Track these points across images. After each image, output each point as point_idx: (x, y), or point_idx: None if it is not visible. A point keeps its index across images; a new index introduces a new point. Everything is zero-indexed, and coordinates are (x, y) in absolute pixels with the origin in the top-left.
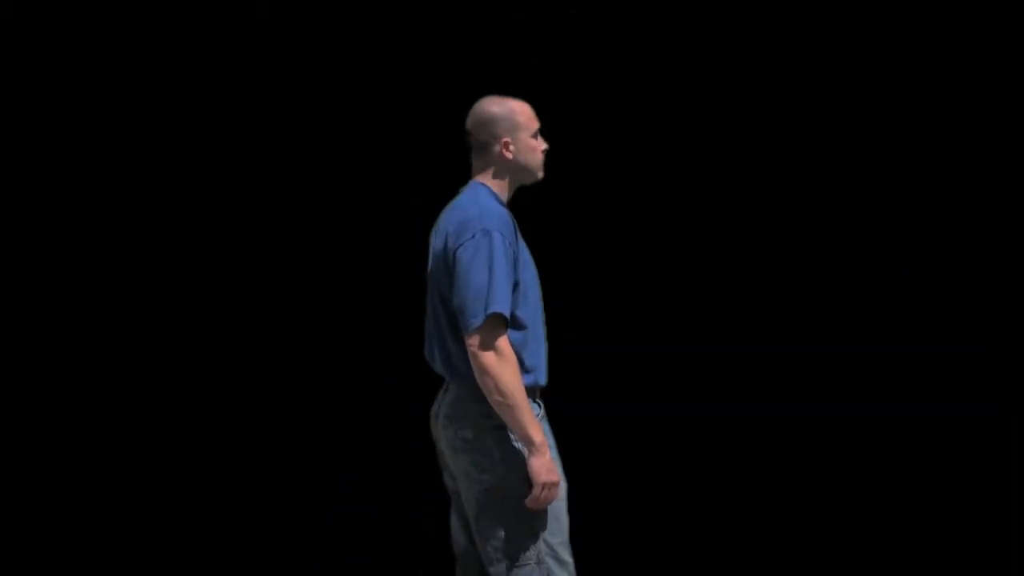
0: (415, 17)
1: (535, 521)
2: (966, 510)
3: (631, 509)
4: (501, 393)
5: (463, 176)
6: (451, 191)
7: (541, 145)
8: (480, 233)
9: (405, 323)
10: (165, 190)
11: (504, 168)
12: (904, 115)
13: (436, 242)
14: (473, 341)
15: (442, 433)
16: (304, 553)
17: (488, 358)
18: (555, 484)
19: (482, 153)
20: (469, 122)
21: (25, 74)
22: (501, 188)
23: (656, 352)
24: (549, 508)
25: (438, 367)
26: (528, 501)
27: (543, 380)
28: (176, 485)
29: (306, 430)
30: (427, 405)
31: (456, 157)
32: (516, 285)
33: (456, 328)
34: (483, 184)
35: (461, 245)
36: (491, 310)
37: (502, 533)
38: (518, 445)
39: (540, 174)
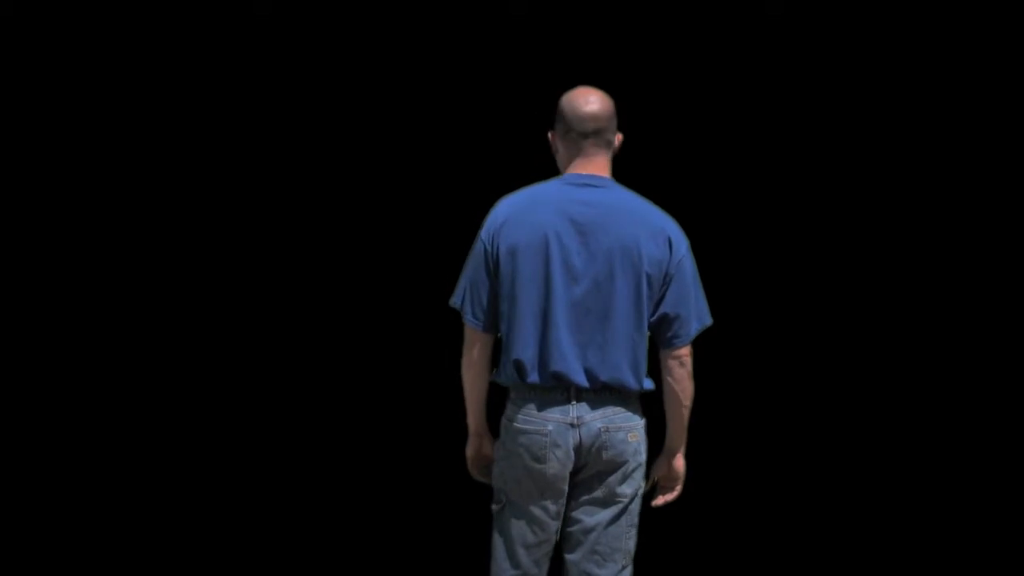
0: (415, 17)
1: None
2: (970, 509)
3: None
4: (691, 399)
5: (460, 176)
6: (448, 191)
7: None
8: (688, 245)
9: (406, 323)
10: (164, 190)
11: (611, 164)
12: (905, 115)
13: (603, 240)
14: (686, 351)
15: (600, 440)
16: (303, 553)
17: (690, 367)
18: None
19: (607, 147)
20: (604, 115)
21: (25, 74)
22: None
23: None
24: None
25: (588, 378)
26: (670, 497)
27: None
28: (177, 485)
29: (307, 430)
30: (426, 406)
31: (451, 158)
32: None
33: (647, 336)
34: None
35: (683, 256)
36: (709, 323)
37: (623, 533)
38: (643, 447)
39: None
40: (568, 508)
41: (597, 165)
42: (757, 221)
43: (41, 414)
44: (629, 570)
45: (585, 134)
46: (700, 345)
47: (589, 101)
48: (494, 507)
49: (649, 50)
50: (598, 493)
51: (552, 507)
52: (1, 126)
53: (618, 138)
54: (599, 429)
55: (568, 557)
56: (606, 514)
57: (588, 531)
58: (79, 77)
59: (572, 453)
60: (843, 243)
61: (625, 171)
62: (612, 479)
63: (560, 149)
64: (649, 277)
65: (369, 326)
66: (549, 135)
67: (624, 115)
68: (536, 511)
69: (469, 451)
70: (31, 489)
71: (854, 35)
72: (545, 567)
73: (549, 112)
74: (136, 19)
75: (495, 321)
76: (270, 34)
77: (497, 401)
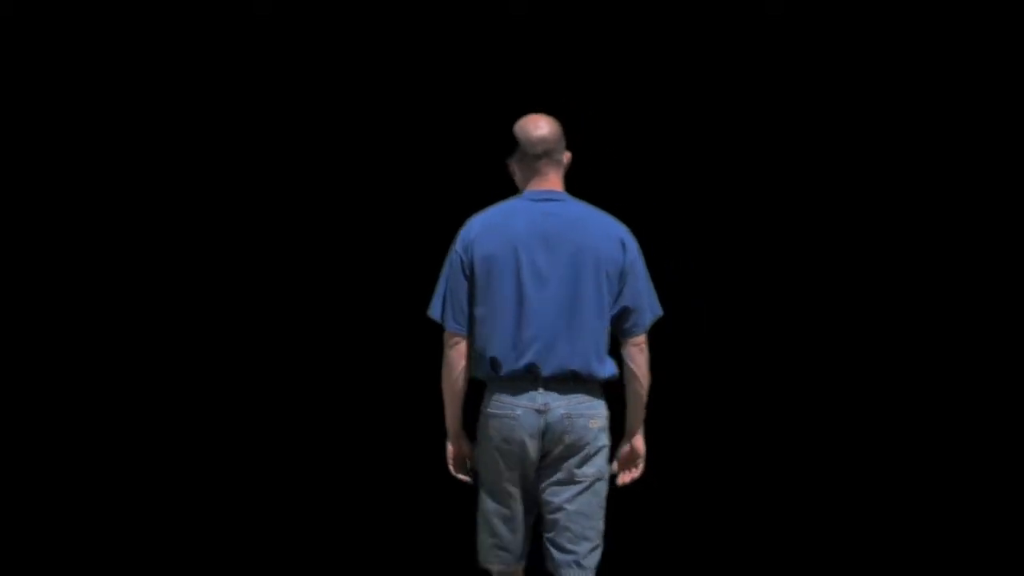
0: (414, 17)
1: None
2: (972, 508)
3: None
4: (649, 382)
5: (460, 175)
6: (448, 190)
7: None
8: (638, 246)
9: (405, 321)
10: (162, 190)
11: (563, 179)
12: (905, 115)
13: (567, 247)
14: (643, 340)
15: (562, 425)
16: (302, 552)
17: (648, 353)
18: None
19: (558, 165)
20: (552, 137)
21: (25, 74)
22: None
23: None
24: None
25: (558, 368)
26: (631, 477)
27: None
28: (178, 485)
29: (305, 430)
30: (406, 410)
31: (451, 158)
32: None
33: (609, 328)
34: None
35: (635, 257)
36: (660, 313)
37: (593, 513)
38: (605, 435)
39: None
40: (540, 490)
41: (551, 182)
42: (757, 220)
43: (18, 419)
44: (600, 550)
45: (538, 155)
46: (668, 339)
47: (539, 126)
48: (475, 482)
49: (649, 50)
50: (561, 475)
51: (521, 483)
52: (1, 126)
53: (567, 156)
54: (562, 415)
55: (545, 536)
56: (569, 493)
57: (557, 510)
58: (79, 77)
59: (538, 436)
60: (844, 243)
61: (629, 166)
62: (571, 462)
63: (517, 172)
64: (608, 276)
65: (352, 332)
66: (507, 163)
67: (624, 114)
68: (507, 487)
69: (449, 450)
70: (28, 489)
71: (854, 35)
72: (520, 534)
73: (550, 111)
74: (136, 19)
75: (473, 325)
76: (270, 34)
77: (475, 398)
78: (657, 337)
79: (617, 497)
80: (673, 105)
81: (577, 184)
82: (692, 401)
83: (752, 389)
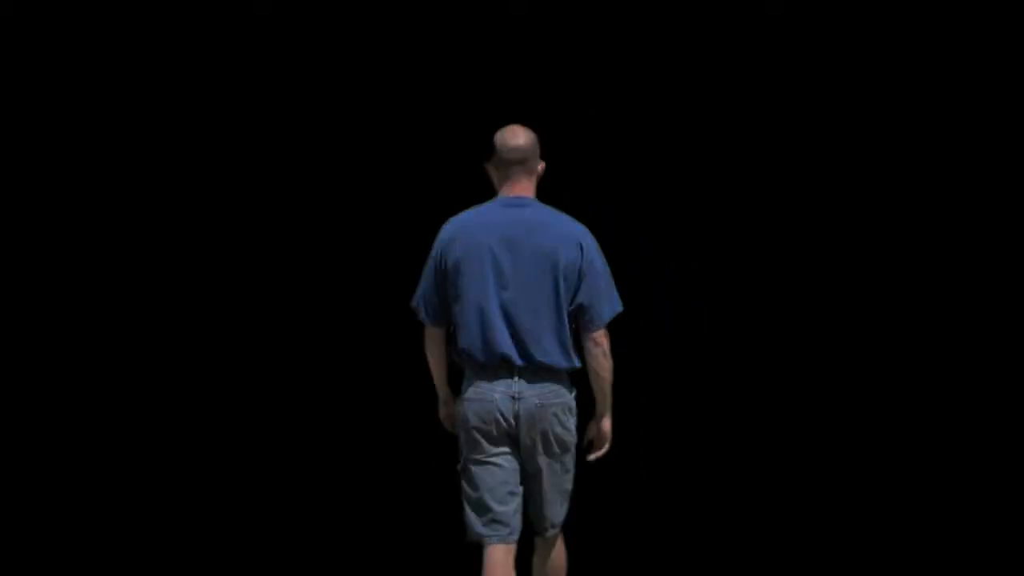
0: (414, 17)
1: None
2: (972, 508)
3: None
4: (611, 372)
5: (460, 175)
6: (447, 189)
7: None
8: (597, 247)
9: (403, 321)
10: (160, 189)
11: (535, 186)
12: (904, 115)
13: (528, 251)
14: (601, 334)
15: (535, 414)
16: (301, 551)
17: (608, 346)
18: None
19: (531, 173)
20: (527, 147)
21: (25, 74)
22: None
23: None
24: None
25: (526, 362)
26: (600, 452)
27: None
28: (178, 486)
29: (305, 430)
30: (425, 405)
31: (450, 158)
32: None
33: (571, 323)
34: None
35: (593, 257)
36: (620, 309)
37: (566, 479)
38: (571, 415)
39: None
40: (521, 463)
41: (523, 187)
42: (757, 220)
43: None
44: (567, 504)
45: (511, 163)
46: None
47: (516, 136)
48: (458, 467)
49: (650, 50)
50: (538, 457)
51: (501, 454)
52: (1, 126)
53: (541, 166)
54: (535, 404)
55: (529, 500)
56: (545, 472)
57: (536, 478)
58: (79, 77)
59: (512, 419)
60: (843, 242)
61: (630, 166)
62: (545, 445)
63: (494, 176)
64: (565, 276)
65: (346, 321)
66: (485, 167)
67: (624, 114)
68: (490, 459)
69: (441, 412)
70: (26, 489)
71: (854, 35)
72: (512, 504)
73: (550, 111)
74: (136, 19)
75: (445, 318)
76: (270, 34)
77: (459, 377)
78: (658, 336)
79: (621, 499)
80: (674, 105)
81: (578, 183)
82: (692, 400)
83: (752, 387)
